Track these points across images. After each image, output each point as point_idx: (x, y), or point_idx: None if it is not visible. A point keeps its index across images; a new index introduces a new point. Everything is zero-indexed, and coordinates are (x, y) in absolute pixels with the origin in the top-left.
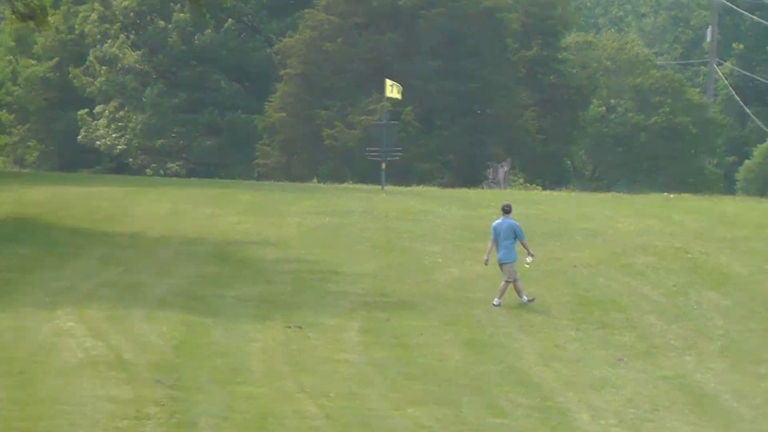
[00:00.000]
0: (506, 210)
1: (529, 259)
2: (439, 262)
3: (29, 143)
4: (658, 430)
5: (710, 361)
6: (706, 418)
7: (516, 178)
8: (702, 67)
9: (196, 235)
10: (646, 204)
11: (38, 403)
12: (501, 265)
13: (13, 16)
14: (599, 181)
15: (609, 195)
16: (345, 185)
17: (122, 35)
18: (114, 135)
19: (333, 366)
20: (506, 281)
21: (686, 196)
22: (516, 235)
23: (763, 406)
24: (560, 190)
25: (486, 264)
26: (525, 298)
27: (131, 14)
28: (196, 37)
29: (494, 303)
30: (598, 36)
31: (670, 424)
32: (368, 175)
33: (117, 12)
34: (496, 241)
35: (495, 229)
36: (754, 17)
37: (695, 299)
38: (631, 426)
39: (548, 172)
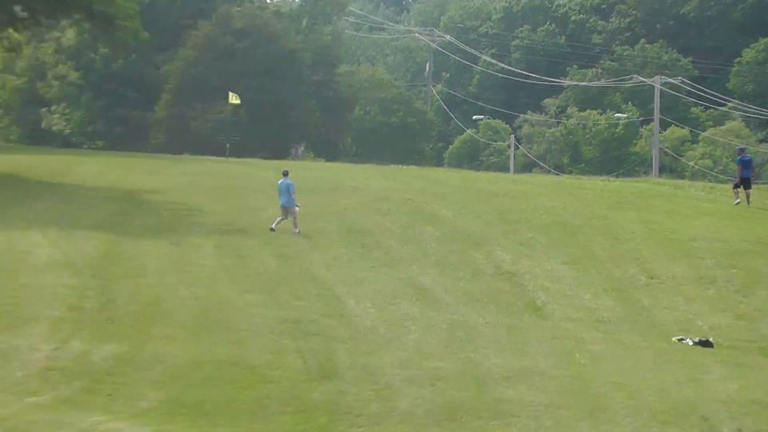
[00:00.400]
0: (285, 173)
1: (297, 207)
2: (261, 205)
3: (11, 128)
4: (396, 310)
5: (428, 269)
6: (426, 303)
7: (309, 154)
8: (423, 87)
9: (113, 186)
10: (388, 172)
11: (19, 288)
12: (284, 208)
13: (2, 49)
14: (359, 156)
15: (365, 166)
16: (204, 157)
17: (69, 62)
18: (63, 123)
19: (198, 268)
20: (293, 217)
21: (412, 167)
22: (290, 189)
23: (461, 297)
24: (335, 162)
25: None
26: (297, 230)
27: (72, 49)
28: (113, 65)
29: (295, 231)
30: (358, 67)
31: (404, 306)
32: (219, 151)
33: (65, 47)
34: (280, 193)
35: (278, 186)
36: (455, 57)
37: (418, 231)
38: (380, 307)
39: (328, 150)
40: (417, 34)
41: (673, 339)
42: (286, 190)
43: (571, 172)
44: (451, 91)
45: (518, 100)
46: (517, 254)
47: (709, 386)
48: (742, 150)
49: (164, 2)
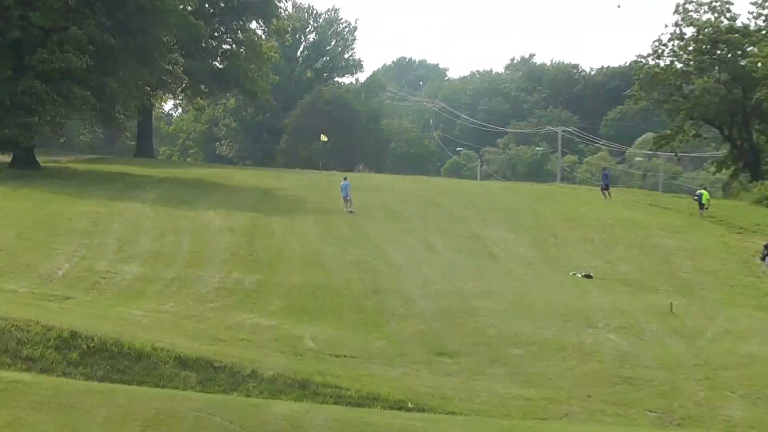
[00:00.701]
0: (345, 178)
1: (349, 197)
2: (339, 197)
3: (198, 153)
4: (415, 256)
5: (432, 233)
6: (432, 253)
7: (366, 170)
8: (429, 132)
9: (256, 186)
10: (410, 179)
11: (203, 243)
12: (344, 198)
13: (193, 109)
14: (394, 171)
15: (397, 176)
16: (307, 170)
17: (231, 117)
18: (228, 150)
19: (304, 232)
20: (349, 202)
21: (423, 177)
22: (349, 187)
23: (452, 249)
24: (380, 174)
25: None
26: (352, 210)
27: (233, 109)
28: (257, 118)
29: (350, 211)
30: (393, 121)
31: (419, 254)
32: (315, 167)
33: (229, 108)
34: (342, 189)
35: (341, 185)
36: (446, 115)
37: (427, 212)
38: (405, 255)
39: (376, 167)
40: (425, 102)
41: (570, 273)
42: (346, 188)
43: (512, 181)
44: (445, 134)
45: (482, 139)
46: (482, 225)
47: (590, 300)
48: (605, 169)
49: (285, 83)
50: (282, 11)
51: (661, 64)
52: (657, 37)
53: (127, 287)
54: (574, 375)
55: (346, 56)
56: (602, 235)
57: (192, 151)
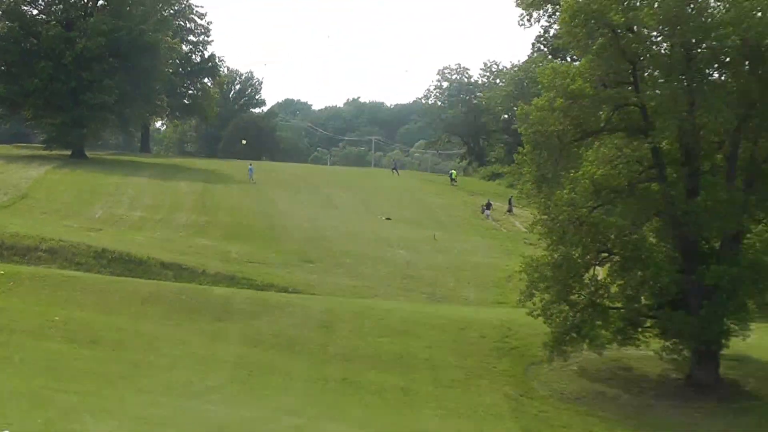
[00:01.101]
0: (251, 164)
1: (253, 175)
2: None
3: (173, 150)
4: (287, 205)
5: (302, 195)
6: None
7: (266, 159)
8: (303, 139)
9: (206, 168)
10: (290, 165)
11: (179, 200)
12: (250, 175)
13: (172, 125)
14: (283, 161)
15: (287, 163)
16: (236, 160)
17: (193, 131)
18: (192, 148)
19: (232, 194)
20: (252, 177)
21: (298, 164)
22: (253, 169)
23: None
24: (274, 161)
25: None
26: (252, 181)
27: (196, 127)
28: (207, 130)
29: (252, 182)
30: (282, 133)
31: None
32: (243, 158)
33: (193, 125)
34: (249, 170)
35: (248, 168)
36: (311, 129)
37: (301, 183)
38: (287, 206)
39: (276, 158)
40: (300, 123)
41: (378, 216)
42: (251, 170)
43: (347, 166)
44: (310, 140)
45: (331, 143)
46: (330, 190)
47: (389, 232)
48: (394, 160)
49: (223, 112)
50: (221, 72)
51: (430, 102)
52: (427, 87)
53: (134, 224)
54: (381, 274)
55: (256, 97)
56: (396, 196)
57: (171, 148)
